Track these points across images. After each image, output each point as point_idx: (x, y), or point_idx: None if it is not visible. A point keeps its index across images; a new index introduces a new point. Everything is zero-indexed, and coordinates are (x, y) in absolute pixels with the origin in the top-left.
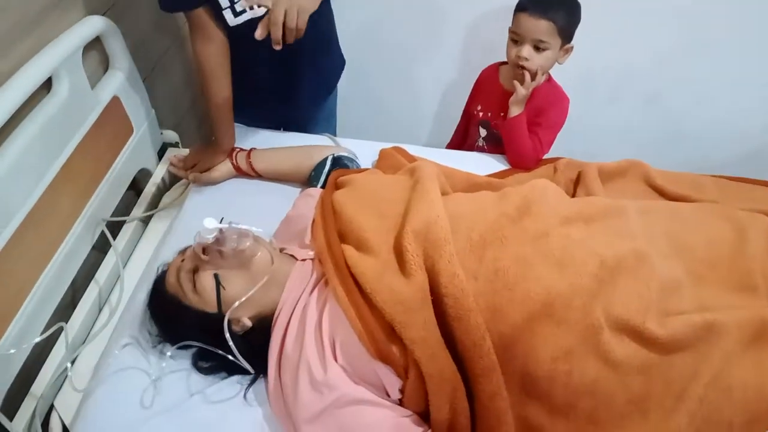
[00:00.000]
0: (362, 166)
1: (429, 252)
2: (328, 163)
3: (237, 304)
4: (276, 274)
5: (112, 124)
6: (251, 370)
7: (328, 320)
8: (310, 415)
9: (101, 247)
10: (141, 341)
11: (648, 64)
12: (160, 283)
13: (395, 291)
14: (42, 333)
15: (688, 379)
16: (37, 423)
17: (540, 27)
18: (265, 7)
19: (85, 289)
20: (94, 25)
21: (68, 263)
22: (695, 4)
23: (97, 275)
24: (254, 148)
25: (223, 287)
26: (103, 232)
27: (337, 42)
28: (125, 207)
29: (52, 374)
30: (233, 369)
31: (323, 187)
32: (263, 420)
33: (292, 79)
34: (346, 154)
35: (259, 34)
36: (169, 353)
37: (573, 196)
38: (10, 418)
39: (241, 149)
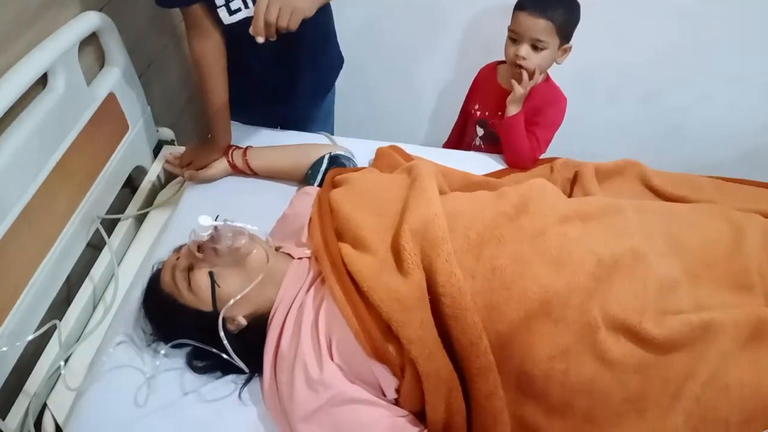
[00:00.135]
0: (359, 165)
1: (426, 251)
2: (325, 161)
3: (232, 302)
4: (272, 273)
5: (108, 121)
6: (246, 370)
7: (324, 319)
8: (306, 413)
9: (96, 245)
10: (135, 339)
11: (646, 63)
12: (154, 281)
13: (392, 289)
14: (35, 331)
15: (685, 378)
16: (30, 422)
17: (538, 26)
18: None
19: (80, 287)
20: (90, 21)
21: (63, 260)
22: (694, 3)
23: (92, 273)
24: (250, 146)
25: (218, 285)
26: (97, 230)
27: (336, 40)
28: (120, 204)
29: (46, 372)
30: (228, 368)
31: (320, 185)
32: (258, 419)
33: (290, 77)
34: (343, 153)
35: (252, 30)
36: (163, 352)
37: (570, 195)
38: (3, 416)
39: (238, 147)
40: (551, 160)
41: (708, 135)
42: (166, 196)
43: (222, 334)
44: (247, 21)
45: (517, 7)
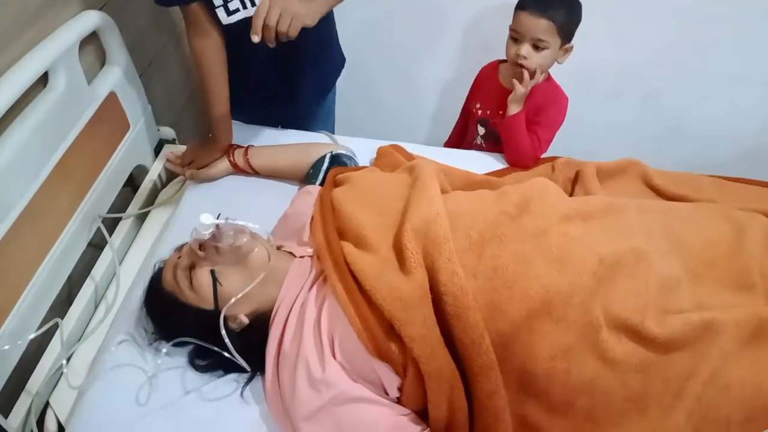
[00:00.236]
0: (360, 164)
1: (428, 250)
2: (326, 160)
3: (233, 300)
4: (273, 271)
5: (109, 120)
6: (248, 368)
7: (326, 317)
8: (308, 412)
9: (97, 244)
10: (137, 338)
11: (646, 63)
12: (156, 279)
13: (394, 288)
14: (37, 329)
15: (686, 377)
16: (33, 420)
17: (539, 26)
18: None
19: (81, 286)
20: (91, 20)
21: (64, 259)
22: (694, 3)
23: (93, 272)
24: (252, 145)
25: (220, 283)
26: (99, 229)
27: (338, 40)
28: (122, 203)
29: (48, 371)
30: (230, 367)
31: (321, 184)
32: (260, 418)
33: (291, 77)
34: (344, 152)
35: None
36: (164, 350)
37: (571, 195)
38: (5, 415)
39: (239, 146)
40: (552, 159)
41: (708, 135)
42: (168, 195)
43: (223, 332)
44: (246, 21)
45: (519, 7)
